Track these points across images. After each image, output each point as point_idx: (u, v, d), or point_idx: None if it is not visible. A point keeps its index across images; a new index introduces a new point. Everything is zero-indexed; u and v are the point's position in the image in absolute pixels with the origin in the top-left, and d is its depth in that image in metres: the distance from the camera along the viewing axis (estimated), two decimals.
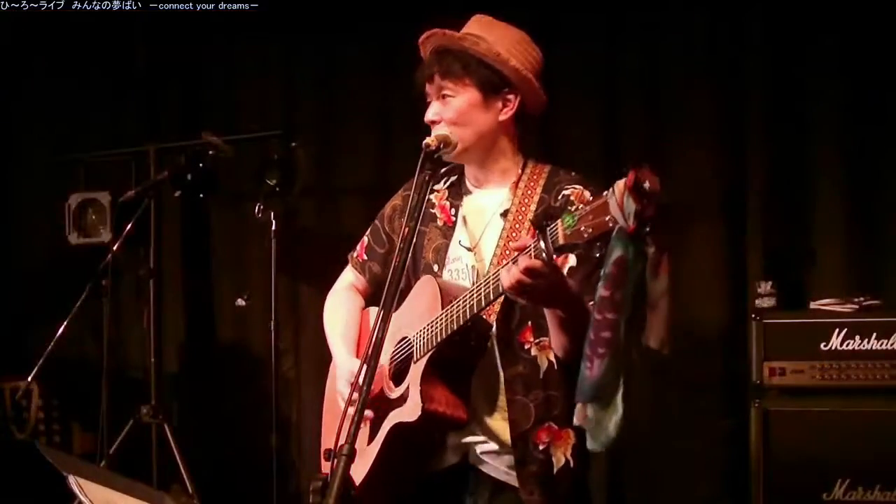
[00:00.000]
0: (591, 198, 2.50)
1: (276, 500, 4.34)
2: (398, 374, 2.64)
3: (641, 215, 1.99)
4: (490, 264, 2.61)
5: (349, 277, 2.97)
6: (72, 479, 2.26)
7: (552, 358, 2.61)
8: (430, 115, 2.65)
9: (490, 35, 2.62)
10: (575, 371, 2.55)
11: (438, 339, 2.49)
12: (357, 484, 2.47)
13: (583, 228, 2.09)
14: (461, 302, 2.45)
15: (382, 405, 2.62)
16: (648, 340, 2.11)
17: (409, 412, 2.51)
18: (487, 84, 2.62)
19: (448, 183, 2.79)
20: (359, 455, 2.51)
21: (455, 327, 2.46)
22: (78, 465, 2.42)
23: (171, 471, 4.30)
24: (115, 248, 4.25)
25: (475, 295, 2.42)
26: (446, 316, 2.48)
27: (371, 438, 2.64)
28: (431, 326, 2.51)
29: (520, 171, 2.69)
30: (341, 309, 2.91)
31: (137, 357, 4.95)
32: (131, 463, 4.22)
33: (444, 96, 2.63)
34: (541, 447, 2.58)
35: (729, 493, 4.17)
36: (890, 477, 3.56)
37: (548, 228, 2.17)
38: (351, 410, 2.18)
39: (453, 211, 2.74)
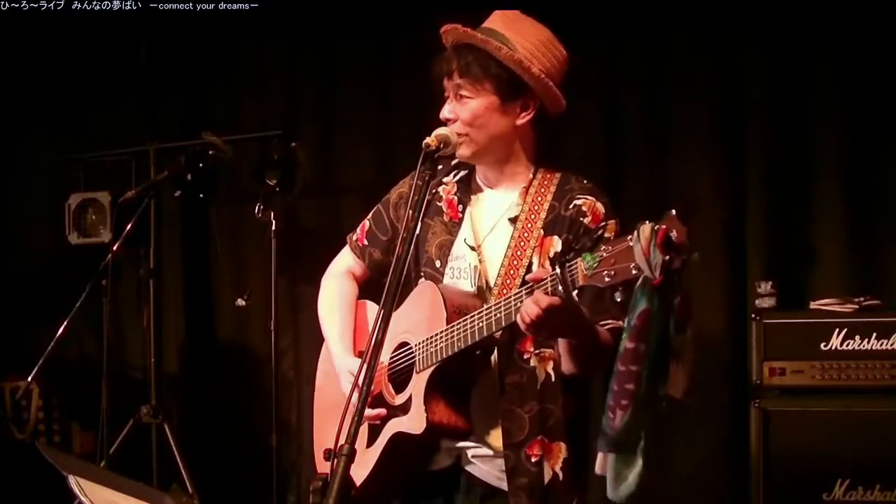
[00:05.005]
0: (602, 211, 2.56)
1: (277, 500, 4.34)
2: (398, 379, 2.61)
3: (669, 267, 1.97)
4: (498, 274, 2.58)
5: (347, 261, 2.91)
6: (72, 479, 2.26)
7: (550, 370, 2.58)
8: (445, 113, 2.60)
9: (515, 34, 2.56)
10: (573, 385, 2.59)
11: (443, 356, 2.46)
12: (357, 485, 2.48)
13: (605, 272, 2.08)
14: (469, 322, 2.42)
15: (382, 408, 2.62)
16: (671, 391, 2.11)
17: (414, 424, 2.49)
18: (506, 88, 2.56)
19: (457, 177, 2.74)
20: (358, 457, 2.52)
21: (461, 346, 2.43)
22: (78, 465, 2.41)
23: (171, 471, 4.30)
24: (115, 248, 4.24)
25: (484, 318, 2.39)
26: (452, 333, 2.45)
27: (371, 441, 2.62)
28: (435, 341, 2.48)
29: (531, 176, 2.65)
30: (338, 299, 2.85)
31: (137, 357, 4.96)
32: (131, 463, 4.23)
33: (461, 96, 2.58)
34: (533, 459, 2.55)
35: (729, 493, 4.16)
36: (890, 477, 3.56)
37: (567, 266, 2.17)
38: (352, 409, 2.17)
39: (461, 207, 2.70)
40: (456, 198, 2.71)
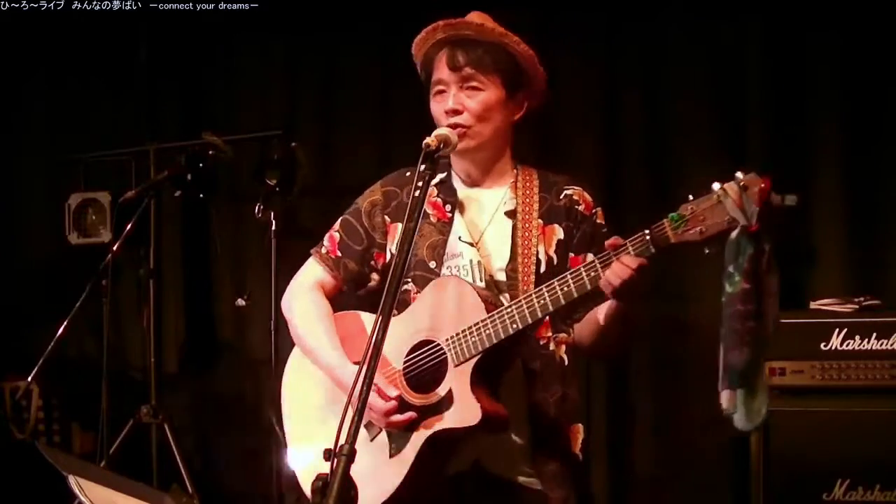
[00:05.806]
0: (590, 198, 2.68)
1: (276, 500, 4.34)
2: (420, 381, 2.53)
3: (763, 215, 2.20)
4: (513, 259, 2.60)
5: (316, 274, 2.80)
6: (72, 479, 2.26)
7: (564, 354, 2.63)
8: (452, 104, 2.60)
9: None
10: (582, 367, 2.64)
11: (491, 342, 2.44)
12: (386, 498, 2.47)
13: (698, 228, 2.26)
14: (524, 302, 2.42)
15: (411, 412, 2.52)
16: (766, 328, 2.32)
17: (465, 416, 2.43)
18: (511, 83, 2.62)
19: (437, 180, 2.72)
20: (381, 469, 2.50)
21: (514, 330, 2.43)
22: (78, 466, 2.42)
23: (171, 471, 4.30)
24: (115, 248, 4.25)
25: (547, 295, 2.40)
26: (502, 318, 2.43)
27: (396, 451, 2.53)
28: (476, 331, 2.45)
29: (515, 172, 2.71)
30: (317, 312, 2.78)
31: (137, 357, 4.96)
32: (131, 463, 4.23)
33: (470, 87, 2.60)
34: (560, 443, 2.59)
35: (729, 493, 4.16)
36: (890, 477, 3.56)
37: (653, 228, 2.31)
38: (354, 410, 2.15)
39: (448, 207, 2.70)
40: (440, 199, 2.72)
